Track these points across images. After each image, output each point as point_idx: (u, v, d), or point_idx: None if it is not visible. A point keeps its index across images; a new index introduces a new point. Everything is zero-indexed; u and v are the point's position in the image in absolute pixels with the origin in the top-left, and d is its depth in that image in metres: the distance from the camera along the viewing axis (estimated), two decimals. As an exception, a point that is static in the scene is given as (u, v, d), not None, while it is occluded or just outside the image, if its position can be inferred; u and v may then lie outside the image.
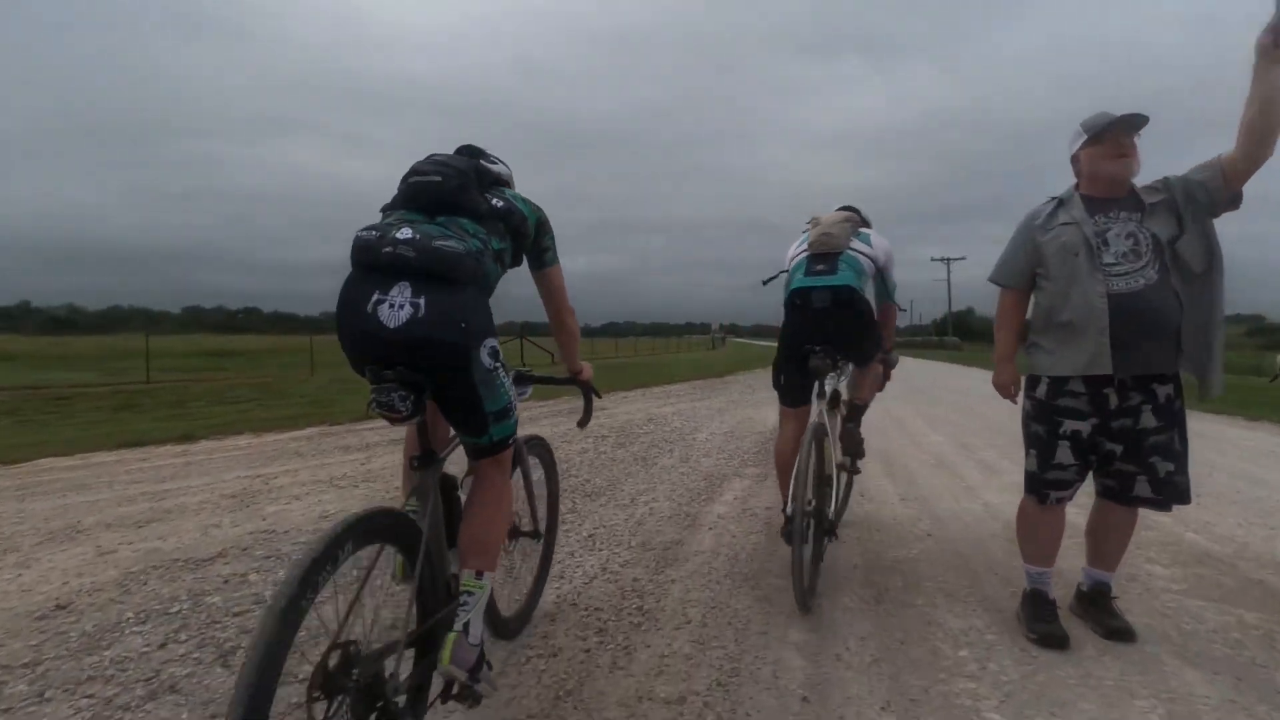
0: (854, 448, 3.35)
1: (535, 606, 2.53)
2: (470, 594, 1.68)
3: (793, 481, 2.52)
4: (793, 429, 2.95)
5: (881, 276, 3.00)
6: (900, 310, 3.30)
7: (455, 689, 1.61)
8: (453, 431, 1.86)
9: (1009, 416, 3.42)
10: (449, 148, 1.95)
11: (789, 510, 2.53)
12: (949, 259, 57.97)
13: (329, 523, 1.42)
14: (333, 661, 1.28)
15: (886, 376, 3.45)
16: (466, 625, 1.65)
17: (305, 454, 5.83)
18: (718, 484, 4.82)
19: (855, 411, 3.37)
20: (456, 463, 1.87)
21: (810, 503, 2.57)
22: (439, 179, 1.68)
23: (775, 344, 3.08)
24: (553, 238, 2.05)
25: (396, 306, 1.49)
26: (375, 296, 1.50)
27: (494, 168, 1.97)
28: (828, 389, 2.95)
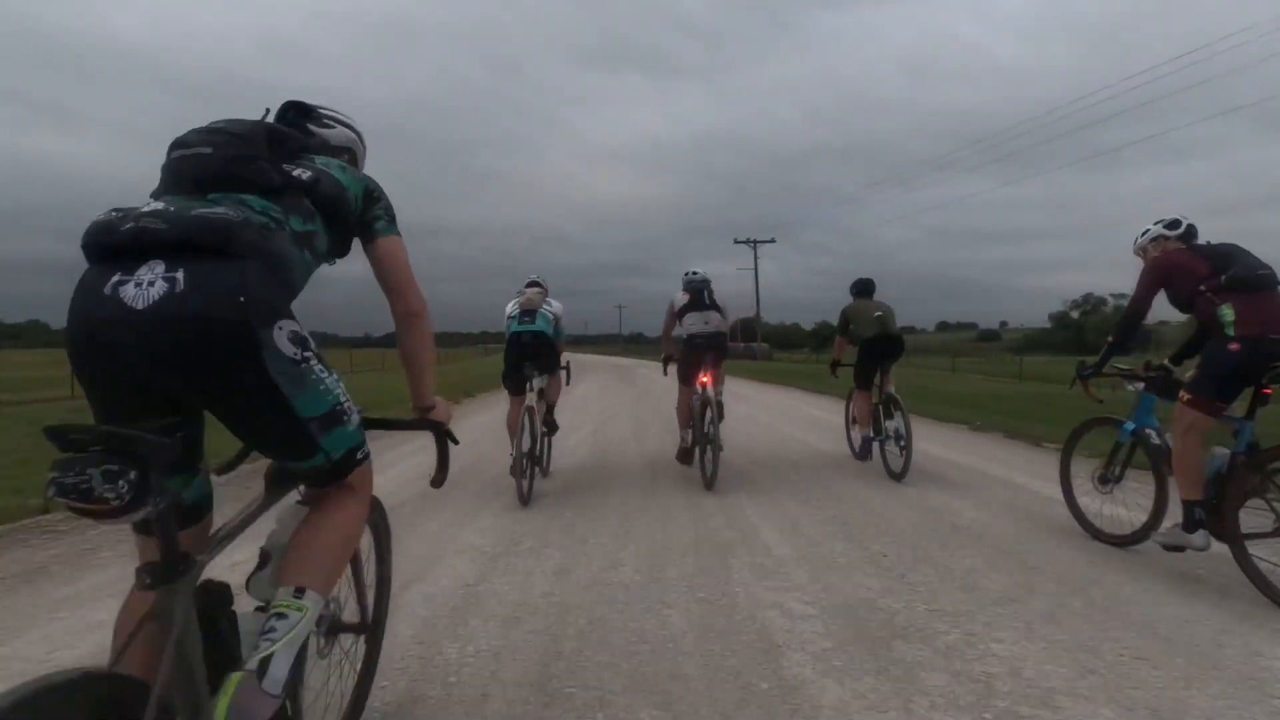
0: (551, 426, 5.63)
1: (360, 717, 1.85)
2: (282, 617, 1.21)
3: (517, 438, 4.48)
4: (516, 406, 4.97)
5: (557, 325, 5.24)
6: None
7: None
8: (216, 527, 1.36)
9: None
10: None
11: (513, 454, 4.48)
12: (755, 241, 41.33)
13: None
14: None
15: (566, 380, 5.69)
16: (266, 661, 1.15)
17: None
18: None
19: (550, 408, 5.60)
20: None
21: (530, 450, 4.67)
22: (208, 150, 1.30)
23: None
24: (387, 208, 1.59)
25: (145, 285, 1.12)
26: (116, 278, 1.14)
27: (324, 131, 1.62)
28: (535, 387, 5.01)
